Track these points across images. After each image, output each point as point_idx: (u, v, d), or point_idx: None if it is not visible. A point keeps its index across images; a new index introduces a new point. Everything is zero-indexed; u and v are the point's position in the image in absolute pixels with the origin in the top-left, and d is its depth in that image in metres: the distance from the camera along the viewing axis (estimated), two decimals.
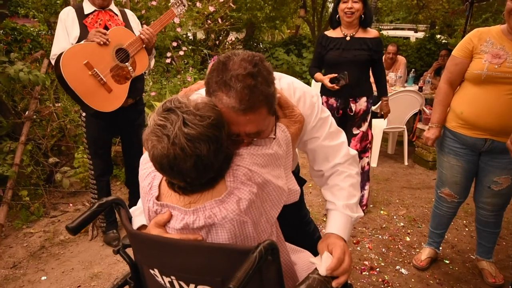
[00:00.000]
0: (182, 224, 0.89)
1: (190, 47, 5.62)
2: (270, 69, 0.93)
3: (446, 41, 8.24)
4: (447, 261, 2.46)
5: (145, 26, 2.37)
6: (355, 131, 2.94)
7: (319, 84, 2.99)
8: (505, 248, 2.60)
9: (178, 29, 4.66)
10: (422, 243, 2.62)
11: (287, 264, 1.09)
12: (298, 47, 7.84)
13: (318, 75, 2.86)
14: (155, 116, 0.82)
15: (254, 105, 0.87)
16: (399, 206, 3.28)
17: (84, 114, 2.38)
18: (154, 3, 4.40)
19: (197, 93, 1.13)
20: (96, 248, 2.58)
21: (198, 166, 0.80)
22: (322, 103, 3.56)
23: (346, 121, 2.95)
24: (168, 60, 4.74)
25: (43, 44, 5.35)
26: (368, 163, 3.04)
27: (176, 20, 4.50)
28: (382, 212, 3.15)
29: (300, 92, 1.18)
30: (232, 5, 5.13)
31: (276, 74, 1.16)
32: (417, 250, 2.57)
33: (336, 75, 2.69)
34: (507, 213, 2.24)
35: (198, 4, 4.86)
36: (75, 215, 3.04)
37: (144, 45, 2.27)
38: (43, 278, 2.28)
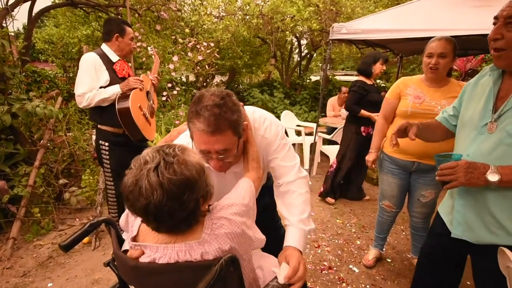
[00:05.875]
0: (149, 259, 0.81)
1: (182, 88, 5.63)
2: (235, 102, 0.98)
3: (384, 85, 8.61)
4: (389, 260, 2.47)
5: (149, 73, 2.54)
6: None
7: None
8: None
9: (173, 73, 4.67)
10: (370, 246, 2.62)
11: (253, 271, 1.04)
12: (270, 88, 7.97)
13: (365, 112, 3.12)
14: (149, 149, 0.78)
15: (219, 128, 0.92)
16: (351, 215, 3.30)
17: (107, 144, 2.23)
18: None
19: (185, 138, 1.16)
20: (98, 257, 2.44)
21: (147, 210, 0.71)
22: (361, 132, 3.37)
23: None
24: (164, 98, 4.71)
25: (59, 84, 5.25)
26: None
27: (171, 66, 4.52)
28: (338, 220, 3.16)
29: (268, 122, 1.22)
30: (217, 55, 5.22)
31: (251, 108, 1.23)
32: (366, 251, 2.57)
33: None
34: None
35: (189, 53, 4.93)
36: None
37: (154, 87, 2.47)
38: (49, 284, 2.13)
